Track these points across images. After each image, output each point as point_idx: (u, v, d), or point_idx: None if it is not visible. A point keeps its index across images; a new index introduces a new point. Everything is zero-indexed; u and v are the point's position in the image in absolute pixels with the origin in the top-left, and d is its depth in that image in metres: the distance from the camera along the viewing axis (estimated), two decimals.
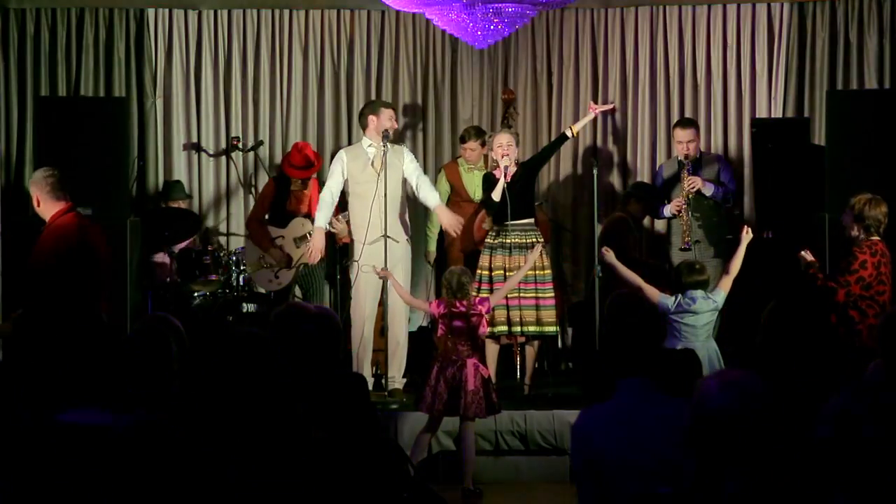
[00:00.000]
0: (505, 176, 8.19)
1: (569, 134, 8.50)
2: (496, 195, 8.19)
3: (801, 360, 4.27)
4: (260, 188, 9.85)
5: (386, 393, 8.10)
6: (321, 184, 8.82)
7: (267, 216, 8.96)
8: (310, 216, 8.76)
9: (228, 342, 3.76)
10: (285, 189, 8.83)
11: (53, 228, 6.60)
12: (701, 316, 7.02)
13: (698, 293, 7.04)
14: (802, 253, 7.36)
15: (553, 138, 9.91)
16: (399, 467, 6.45)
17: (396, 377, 8.27)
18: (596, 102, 9.81)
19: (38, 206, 6.65)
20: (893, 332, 3.99)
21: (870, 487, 2.67)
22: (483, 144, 9.02)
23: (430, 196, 8.38)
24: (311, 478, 3.54)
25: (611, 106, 8.86)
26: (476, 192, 8.99)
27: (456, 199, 9.05)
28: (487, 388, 7.14)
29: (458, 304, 7.19)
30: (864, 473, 2.69)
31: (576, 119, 9.94)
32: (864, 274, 7.10)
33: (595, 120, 9.93)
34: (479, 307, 7.25)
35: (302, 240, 8.69)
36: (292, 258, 8.74)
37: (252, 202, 9.83)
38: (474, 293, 7.85)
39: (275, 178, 9.06)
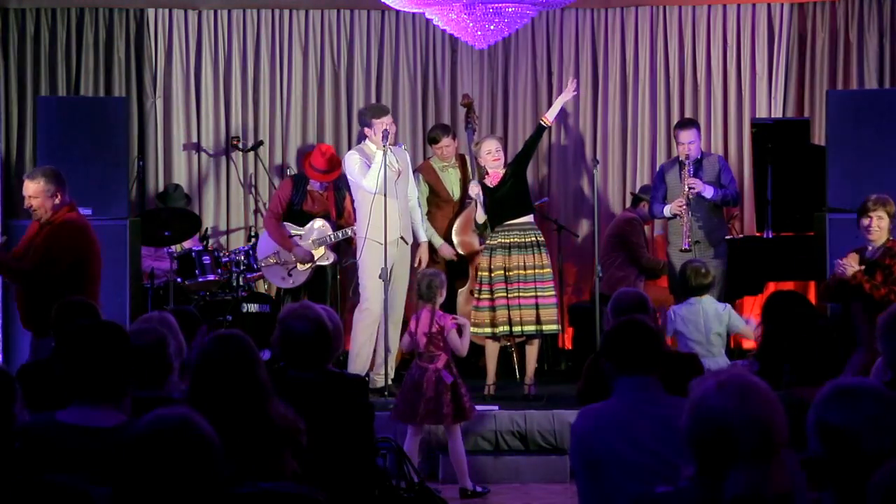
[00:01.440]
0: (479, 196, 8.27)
1: (544, 124, 8.46)
2: (480, 218, 8.29)
3: (797, 358, 4.28)
4: (260, 188, 9.87)
5: (386, 393, 8.09)
6: (336, 188, 8.85)
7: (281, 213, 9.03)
8: (329, 217, 8.80)
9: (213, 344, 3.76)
10: (302, 188, 8.85)
11: (71, 225, 6.70)
12: (709, 321, 6.96)
13: (696, 299, 7.04)
14: (843, 261, 7.11)
15: (551, 138, 9.94)
16: (400, 468, 6.48)
17: (390, 374, 8.30)
18: (596, 106, 9.86)
19: (58, 199, 6.71)
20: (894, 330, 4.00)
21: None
22: (454, 138, 9.07)
23: (421, 231, 8.58)
24: (307, 478, 3.53)
25: (574, 87, 8.71)
26: (454, 189, 9.01)
27: (436, 199, 9.03)
28: (455, 394, 7.03)
29: (424, 311, 7.14)
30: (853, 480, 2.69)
31: (575, 118, 9.98)
32: None
33: (595, 120, 9.95)
34: (443, 321, 7.14)
35: (321, 242, 8.73)
36: (314, 255, 8.78)
37: (252, 202, 9.84)
38: (476, 295, 7.92)
39: (293, 177, 9.08)
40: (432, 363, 7.05)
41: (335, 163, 8.81)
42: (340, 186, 8.93)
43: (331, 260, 8.87)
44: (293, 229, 8.85)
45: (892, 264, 6.99)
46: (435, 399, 6.97)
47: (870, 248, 7.10)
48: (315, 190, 8.87)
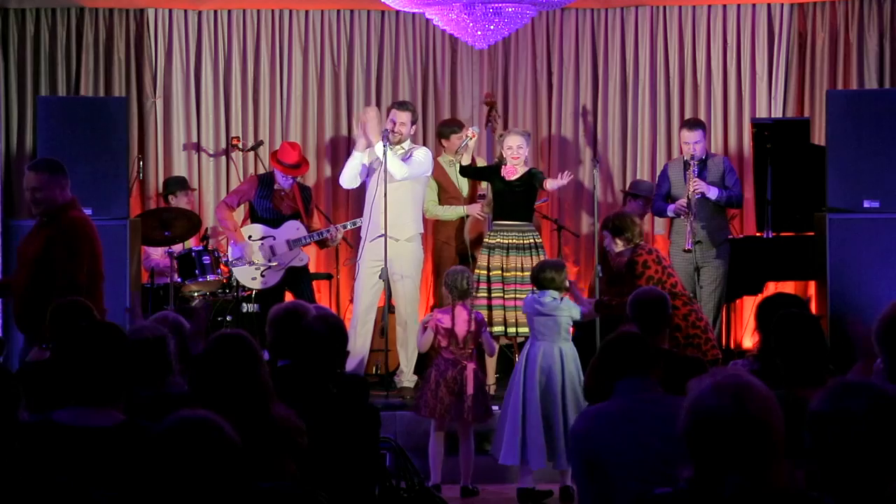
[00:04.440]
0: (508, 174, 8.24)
1: (547, 185, 8.36)
2: (465, 160, 8.36)
3: (795, 358, 4.28)
4: None
5: (386, 393, 8.09)
6: (301, 187, 8.82)
7: (241, 210, 8.99)
8: (299, 217, 8.75)
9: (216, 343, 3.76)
10: (269, 187, 8.79)
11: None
12: (557, 318, 6.98)
13: (548, 295, 7.01)
14: None
15: (551, 138, 9.95)
16: (400, 467, 6.48)
17: (406, 373, 8.32)
18: (596, 106, 9.88)
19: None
20: (893, 331, 3.99)
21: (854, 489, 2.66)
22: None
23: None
24: (310, 478, 3.53)
25: (567, 178, 8.63)
26: (462, 185, 9.03)
27: (444, 195, 9.05)
28: (484, 392, 7.18)
29: (460, 308, 7.16)
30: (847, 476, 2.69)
31: (575, 119, 9.97)
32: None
33: (595, 120, 9.96)
34: (480, 317, 7.28)
35: (296, 242, 8.67)
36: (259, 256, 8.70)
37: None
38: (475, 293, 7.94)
39: (259, 175, 9.03)
40: (469, 361, 7.10)
41: (301, 159, 8.80)
42: (307, 186, 8.92)
43: (304, 261, 8.81)
44: (267, 230, 8.75)
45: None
46: (474, 397, 7.03)
47: None
48: (282, 188, 8.81)
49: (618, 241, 7.18)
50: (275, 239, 8.69)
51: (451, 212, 8.97)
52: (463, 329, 7.11)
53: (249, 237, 8.72)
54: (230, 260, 8.73)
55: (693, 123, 8.79)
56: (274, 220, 8.74)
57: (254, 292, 8.95)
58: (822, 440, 2.71)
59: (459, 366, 7.06)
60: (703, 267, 8.42)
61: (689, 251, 8.37)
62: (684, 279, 8.48)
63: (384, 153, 8.16)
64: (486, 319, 7.55)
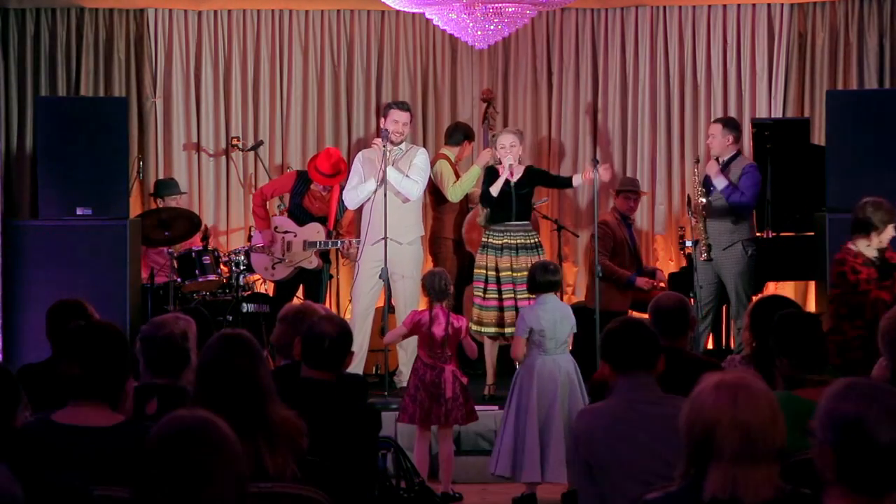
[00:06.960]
0: (511, 174, 8.17)
1: (575, 183, 8.39)
2: (495, 190, 8.17)
3: (793, 357, 4.28)
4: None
5: (385, 393, 8.09)
6: (342, 190, 8.86)
7: (281, 207, 9.04)
8: (326, 220, 8.79)
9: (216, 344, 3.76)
10: (305, 185, 8.85)
11: None
12: (558, 326, 6.86)
13: (549, 297, 6.93)
14: None
15: (551, 137, 9.95)
16: (399, 466, 6.48)
17: (406, 373, 8.31)
18: (596, 105, 9.86)
19: None
20: None
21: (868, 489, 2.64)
22: (470, 143, 9.16)
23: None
24: (310, 478, 3.53)
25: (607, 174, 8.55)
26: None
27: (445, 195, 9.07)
28: (466, 395, 7.01)
29: (438, 310, 7.02)
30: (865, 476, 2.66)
31: (576, 119, 9.97)
32: None
33: (595, 121, 9.96)
34: (459, 322, 7.06)
35: (312, 245, 8.71)
36: (283, 249, 8.75)
37: (251, 202, 9.80)
38: (480, 294, 7.99)
39: (298, 172, 9.07)
40: (447, 364, 6.98)
41: (339, 168, 8.78)
42: None
43: (314, 265, 8.83)
44: (291, 226, 8.82)
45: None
46: (453, 400, 6.91)
47: None
48: (317, 190, 8.86)
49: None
50: (295, 236, 8.76)
51: (469, 178, 8.81)
52: (440, 331, 6.97)
53: (275, 228, 8.80)
54: (251, 246, 8.81)
55: (720, 119, 8.84)
56: (301, 219, 8.83)
57: (251, 292, 8.98)
58: (839, 436, 2.67)
59: (437, 369, 6.95)
60: (719, 272, 8.41)
61: (708, 260, 8.33)
62: (709, 288, 8.40)
63: (384, 157, 8.17)
64: (507, 320, 7.49)
